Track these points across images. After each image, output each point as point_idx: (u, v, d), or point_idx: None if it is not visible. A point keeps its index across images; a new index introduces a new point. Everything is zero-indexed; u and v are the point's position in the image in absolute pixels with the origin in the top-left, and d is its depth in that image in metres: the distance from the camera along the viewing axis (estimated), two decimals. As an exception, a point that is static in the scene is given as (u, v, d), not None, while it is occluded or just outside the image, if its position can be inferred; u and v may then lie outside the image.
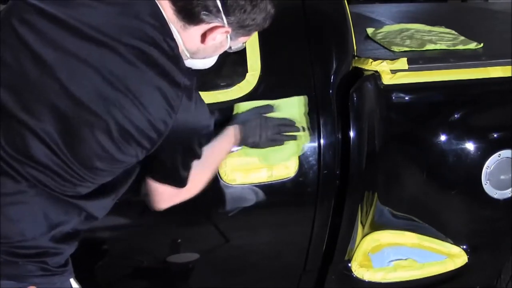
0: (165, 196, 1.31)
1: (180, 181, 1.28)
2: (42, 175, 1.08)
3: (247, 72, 1.61)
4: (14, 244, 1.10)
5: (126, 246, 1.67)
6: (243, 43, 1.27)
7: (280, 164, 1.61)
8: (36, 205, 1.10)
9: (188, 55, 1.20)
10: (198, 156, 1.26)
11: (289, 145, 1.57)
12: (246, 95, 1.60)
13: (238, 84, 1.60)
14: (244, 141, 1.51)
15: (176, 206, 1.63)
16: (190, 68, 1.22)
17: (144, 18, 1.09)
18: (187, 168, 1.26)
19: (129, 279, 1.77)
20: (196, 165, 1.28)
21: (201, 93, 1.54)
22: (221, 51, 1.26)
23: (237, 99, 1.59)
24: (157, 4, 1.11)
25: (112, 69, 1.05)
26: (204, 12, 1.11)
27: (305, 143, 1.60)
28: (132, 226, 1.64)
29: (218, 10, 1.11)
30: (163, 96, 1.08)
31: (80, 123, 1.06)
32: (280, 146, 1.56)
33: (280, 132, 1.54)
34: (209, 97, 1.57)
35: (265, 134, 1.51)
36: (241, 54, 1.60)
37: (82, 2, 1.09)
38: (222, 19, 1.13)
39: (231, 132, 1.48)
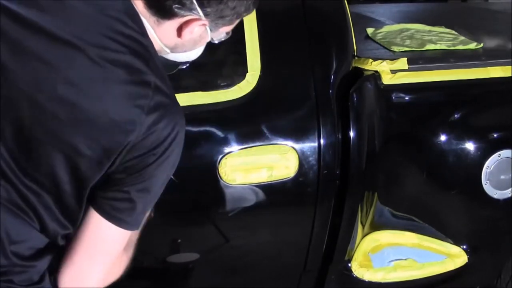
0: (113, 243, 1.11)
1: (136, 223, 1.10)
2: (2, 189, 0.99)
3: (247, 72, 1.61)
4: None
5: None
6: (226, 33, 1.16)
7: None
8: None
9: (167, 50, 1.13)
10: (158, 196, 1.11)
11: None
12: (246, 95, 1.60)
13: (238, 84, 1.60)
14: None
15: (176, 206, 1.63)
16: (166, 64, 1.13)
17: (116, 15, 1.02)
18: (146, 209, 1.11)
19: (129, 279, 1.76)
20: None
21: (201, 93, 1.57)
22: (203, 44, 1.17)
23: (237, 99, 1.59)
24: (129, 0, 1.03)
25: (77, 70, 0.98)
26: (177, 5, 1.02)
27: None
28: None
29: (192, 2, 1.02)
30: (130, 95, 1.00)
31: (43, 136, 0.98)
32: None
33: None
34: (209, 97, 1.58)
35: None
36: (241, 54, 1.60)
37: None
38: (197, 11, 1.04)
39: None
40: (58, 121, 0.98)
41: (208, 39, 1.15)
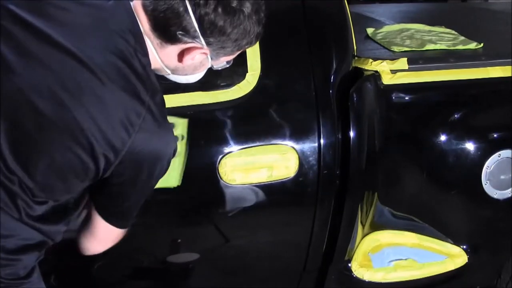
0: (106, 235, 1.24)
1: (126, 218, 1.23)
2: None
3: (247, 72, 1.61)
4: None
5: (126, 246, 1.67)
6: (227, 62, 1.20)
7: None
8: None
9: (168, 71, 1.17)
10: (151, 190, 1.18)
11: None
12: (246, 95, 1.60)
13: (238, 84, 1.60)
14: None
15: (176, 206, 1.63)
16: (159, 84, 1.15)
17: (120, 31, 1.04)
18: (138, 205, 1.20)
19: (129, 279, 1.77)
20: None
21: (201, 93, 1.57)
22: (203, 70, 1.21)
23: (237, 99, 1.59)
24: (135, 18, 1.06)
25: (75, 80, 1.00)
26: (181, 32, 1.06)
27: (183, 152, 1.50)
28: (132, 226, 1.63)
29: (195, 31, 1.05)
30: (124, 111, 1.02)
31: (36, 135, 1.00)
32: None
33: None
34: (209, 97, 1.58)
35: None
36: (241, 54, 1.60)
37: (59, 6, 1.03)
38: (200, 39, 1.07)
39: None
40: (50, 126, 1.00)
41: (209, 66, 1.18)
